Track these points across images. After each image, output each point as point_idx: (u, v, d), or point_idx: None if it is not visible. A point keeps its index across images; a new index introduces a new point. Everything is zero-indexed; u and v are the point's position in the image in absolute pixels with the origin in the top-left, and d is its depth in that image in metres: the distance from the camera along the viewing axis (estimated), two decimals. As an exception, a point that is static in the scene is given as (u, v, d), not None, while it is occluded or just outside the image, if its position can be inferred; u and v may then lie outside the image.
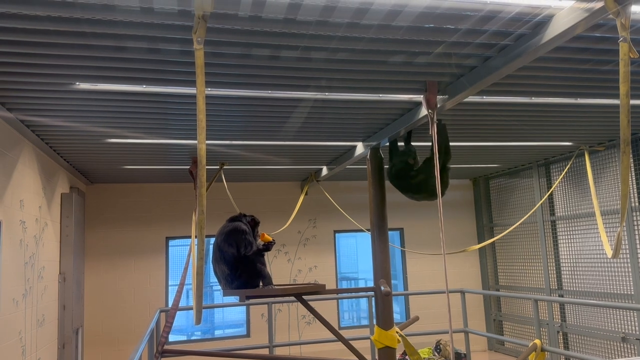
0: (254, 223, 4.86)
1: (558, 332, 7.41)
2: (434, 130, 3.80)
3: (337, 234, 9.07)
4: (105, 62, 3.22)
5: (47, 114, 4.33)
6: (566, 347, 7.33)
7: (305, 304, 4.81)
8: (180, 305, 5.68)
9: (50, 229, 5.96)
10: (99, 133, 4.97)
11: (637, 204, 6.20)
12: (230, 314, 10.22)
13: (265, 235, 4.83)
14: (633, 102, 4.41)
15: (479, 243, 9.16)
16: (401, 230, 9.25)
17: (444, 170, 4.81)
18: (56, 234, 6.30)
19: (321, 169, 7.62)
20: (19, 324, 4.77)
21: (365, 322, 9.69)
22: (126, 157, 6.20)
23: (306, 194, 8.26)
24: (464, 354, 7.45)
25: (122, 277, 8.08)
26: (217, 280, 4.72)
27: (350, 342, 4.97)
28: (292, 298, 5.29)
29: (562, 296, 7.44)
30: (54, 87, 3.65)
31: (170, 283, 8.31)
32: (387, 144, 5.36)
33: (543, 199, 6.96)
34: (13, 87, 3.66)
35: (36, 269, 5.35)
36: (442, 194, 4.62)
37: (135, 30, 2.78)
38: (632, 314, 6.27)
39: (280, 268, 8.66)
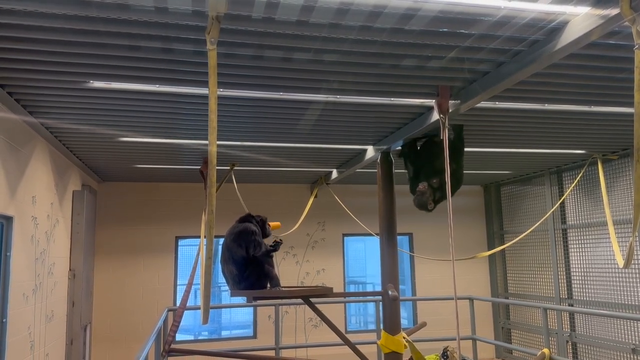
0: (262, 223, 4.88)
1: (567, 341, 7.33)
2: (445, 136, 3.78)
3: (345, 238, 9.05)
4: (119, 61, 3.24)
5: (60, 112, 4.37)
6: (575, 357, 7.25)
7: (313, 306, 4.80)
8: (188, 304, 5.70)
9: (61, 225, 6.02)
10: (111, 131, 5.01)
11: (650, 214, 6.12)
12: (237, 314, 10.23)
13: (273, 224, 4.88)
14: (648, 110, 4.36)
15: (489, 250, 9.08)
16: (410, 235, 9.21)
17: (457, 171, 4.82)
18: (67, 231, 6.35)
19: (331, 171, 7.62)
20: (28, 319, 4.81)
21: (372, 326, 9.65)
22: (138, 156, 6.24)
23: (316, 196, 8.26)
24: (471, 361, 7.39)
25: (131, 275, 8.12)
26: (225, 281, 4.73)
27: (357, 346, 4.95)
28: (300, 300, 5.29)
29: (572, 305, 7.36)
30: (68, 85, 3.69)
31: (178, 282, 8.34)
32: (399, 148, 5.35)
33: (554, 207, 6.90)
34: (27, 84, 3.71)
35: (46, 265, 5.39)
36: (455, 190, 4.69)
37: (149, 29, 2.80)
38: (643, 325, 6.19)
39: (288, 270, 8.66)
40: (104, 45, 3.01)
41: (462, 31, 2.91)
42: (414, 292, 9.08)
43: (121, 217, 8.22)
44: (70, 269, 6.44)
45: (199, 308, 6.78)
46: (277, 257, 8.56)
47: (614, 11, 2.47)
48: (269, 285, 4.64)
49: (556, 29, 2.88)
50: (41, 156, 5.19)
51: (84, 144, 5.59)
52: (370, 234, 7.74)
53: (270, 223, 4.98)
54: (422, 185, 4.81)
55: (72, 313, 6.38)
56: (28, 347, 4.83)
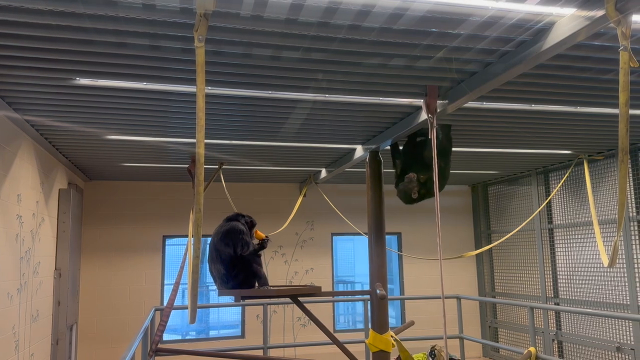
0: (251, 224, 4.86)
1: (553, 340, 7.40)
2: (433, 135, 3.80)
3: (334, 237, 9.06)
4: (106, 58, 3.21)
5: (46, 109, 4.33)
6: (561, 356, 7.32)
7: (301, 305, 4.80)
8: (175, 304, 5.67)
9: (47, 224, 5.95)
10: (98, 129, 4.97)
11: (634, 213, 6.20)
12: (225, 314, 10.20)
13: (259, 233, 4.87)
14: (632, 111, 4.43)
15: (476, 249, 9.15)
16: (399, 234, 9.24)
17: (444, 169, 4.85)
18: (53, 230, 6.29)
19: (320, 171, 7.62)
20: (12, 318, 4.76)
21: (360, 325, 9.68)
22: (125, 155, 6.19)
23: (304, 195, 8.26)
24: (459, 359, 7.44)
25: (118, 274, 8.07)
26: (212, 280, 4.72)
27: (345, 345, 4.96)
28: (288, 299, 5.29)
29: (558, 304, 7.43)
30: (54, 82, 3.65)
31: (166, 282, 8.30)
32: (388, 147, 5.36)
33: (541, 207, 6.95)
34: (13, 81, 3.66)
35: (32, 264, 5.34)
36: (441, 188, 4.74)
37: (137, 26, 2.78)
38: (627, 323, 6.26)
39: (277, 269, 8.65)
40: (91, 42, 2.98)
41: (450, 31, 2.93)
42: (402, 291, 9.11)
43: (108, 216, 8.15)
44: (55, 268, 6.38)
45: (186, 307, 6.74)
46: (266, 256, 8.55)
47: (599, 13, 2.49)
48: (257, 284, 4.63)
49: (543, 29, 2.90)
50: (27, 154, 5.13)
51: (71, 142, 5.53)
52: (359, 233, 7.76)
53: (257, 231, 4.96)
54: (411, 174, 4.87)
55: (57, 312, 6.32)
56: (13, 347, 4.77)
